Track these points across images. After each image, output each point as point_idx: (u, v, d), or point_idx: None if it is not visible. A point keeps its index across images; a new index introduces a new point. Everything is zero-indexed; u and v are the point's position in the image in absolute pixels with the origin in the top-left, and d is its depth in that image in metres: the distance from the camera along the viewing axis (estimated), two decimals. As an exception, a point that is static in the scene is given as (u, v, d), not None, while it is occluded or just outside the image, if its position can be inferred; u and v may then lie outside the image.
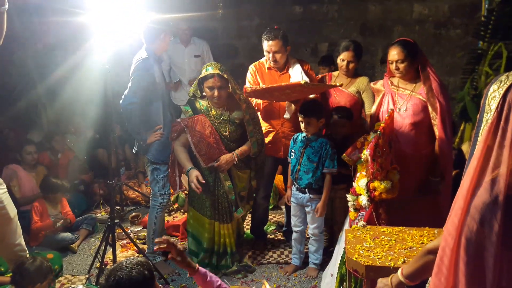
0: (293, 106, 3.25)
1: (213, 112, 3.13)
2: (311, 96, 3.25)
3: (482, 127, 1.26)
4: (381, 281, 1.76)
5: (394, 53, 2.81)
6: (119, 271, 1.65)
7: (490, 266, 1.20)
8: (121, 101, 3.11)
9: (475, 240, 1.21)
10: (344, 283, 2.28)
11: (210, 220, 3.23)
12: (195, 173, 3.03)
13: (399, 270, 1.67)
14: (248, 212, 3.56)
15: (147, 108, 3.17)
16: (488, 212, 1.18)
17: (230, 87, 3.04)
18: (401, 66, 2.80)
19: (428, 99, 2.79)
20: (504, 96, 1.19)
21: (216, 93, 3.03)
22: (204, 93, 3.14)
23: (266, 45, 3.23)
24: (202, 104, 3.14)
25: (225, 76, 3.00)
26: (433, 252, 1.50)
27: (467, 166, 1.28)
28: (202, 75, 3.03)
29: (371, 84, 3.16)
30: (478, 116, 1.30)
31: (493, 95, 1.22)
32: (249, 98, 3.37)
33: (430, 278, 1.42)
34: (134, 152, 3.41)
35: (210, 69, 3.01)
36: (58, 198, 3.90)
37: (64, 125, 4.98)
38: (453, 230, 1.26)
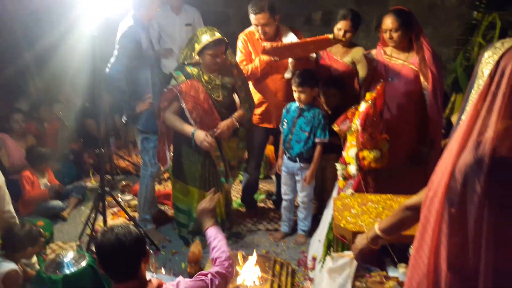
0: (293, 64, 3.19)
1: (205, 77, 3.02)
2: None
3: (473, 93, 1.27)
4: (359, 236, 1.78)
5: (388, 22, 2.78)
6: (116, 228, 1.65)
7: (471, 227, 1.22)
8: (107, 69, 3.05)
9: (457, 202, 1.23)
10: (331, 248, 2.33)
11: (199, 190, 3.20)
12: (203, 133, 2.89)
13: (376, 224, 1.69)
14: (238, 180, 3.57)
15: (135, 76, 3.12)
16: (471, 174, 1.19)
17: (229, 52, 2.97)
18: (395, 35, 2.77)
19: (421, 69, 2.78)
20: (498, 62, 1.19)
21: (219, 60, 2.93)
22: (195, 59, 3.00)
23: (253, 18, 3.15)
24: (193, 69, 3.03)
25: (225, 41, 2.92)
26: (411, 208, 1.52)
27: (455, 130, 1.28)
28: (209, 40, 2.86)
29: (364, 52, 3.12)
30: (470, 82, 1.30)
31: (487, 61, 1.23)
32: (244, 65, 3.33)
33: (412, 245, 1.45)
34: (124, 121, 3.37)
35: (217, 34, 2.89)
36: (46, 167, 3.88)
37: (52, 94, 4.91)
38: (440, 192, 1.28)
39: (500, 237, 1.19)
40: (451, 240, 1.26)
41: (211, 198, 2.05)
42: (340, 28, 3.18)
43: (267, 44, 2.97)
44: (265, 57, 3.21)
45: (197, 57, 2.98)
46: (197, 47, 2.92)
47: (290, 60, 3.19)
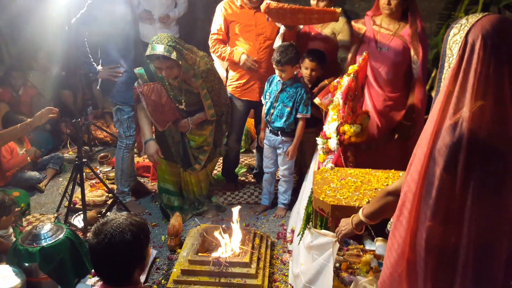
0: (283, 35, 3.12)
1: (170, 80, 2.94)
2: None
3: (444, 72, 1.26)
4: (343, 221, 1.83)
5: None
6: (112, 229, 1.50)
7: (454, 209, 1.23)
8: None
9: (438, 185, 1.23)
10: (310, 222, 2.35)
11: (176, 164, 3.23)
12: (153, 148, 2.98)
13: (360, 210, 1.73)
14: (219, 158, 3.54)
15: (105, 42, 3.02)
16: (451, 155, 1.19)
17: (182, 65, 2.79)
18: (394, 2, 2.73)
19: (412, 42, 2.77)
20: (466, 38, 1.17)
21: (164, 73, 2.83)
22: None
23: None
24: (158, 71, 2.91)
25: (173, 56, 2.71)
26: (393, 193, 1.54)
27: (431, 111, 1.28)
28: (147, 52, 2.75)
29: (352, 22, 3.06)
30: (440, 62, 1.29)
31: (454, 39, 1.21)
32: (214, 39, 3.28)
33: (391, 219, 1.47)
34: (98, 89, 3.28)
35: (156, 47, 2.71)
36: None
37: (27, 61, 4.72)
38: (416, 175, 1.28)
39: (480, 216, 1.21)
40: (432, 222, 1.27)
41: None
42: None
43: (273, 3, 2.85)
44: (238, 51, 3.19)
45: None
46: (147, 53, 2.81)
47: (281, 28, 3.11)
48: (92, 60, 3.04)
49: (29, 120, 2.93)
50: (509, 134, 1.16)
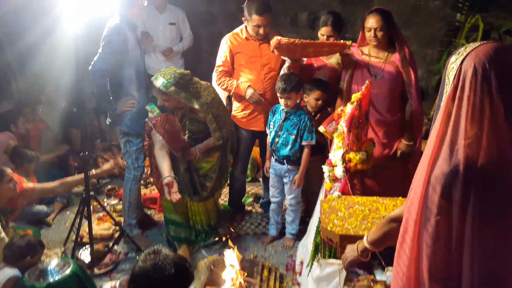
0: (289, 66, 3.17)
1: (178, 112, 3.08)
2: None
3: (443, 100, 1.27)
4: (349, 247, 1.80)
5: (373, 21, 2.81)
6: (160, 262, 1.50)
7: (453, 236, 1.22)
8: (90, 67, 3.01)
9: (437, 212, 1.23)
10: (319, 252, 2.33)
11: (183, 195, 3.18)
12: (172, 184, 2.90)
13: (364, 237, 1.71)
14: (225, 186, 3.55)
15: (119, 75, 3.09)
16: (448, 183, 1.19)
17: (181, 98, 2.90)
18: (380, 34, 2.81)
19: (403, 67, 2.83)
20: (460, 66, 1.20)
21: (159, 102, 2.98)
22: None
23: (257, 19, 3.12)
24: None
25: (169, 91, 2.85)
26: (396, 220, 1.53)
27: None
28: (152, 79, 2.93)
29: (339, 54, 3.11)
30: (440, 89, 1.31)
31: (451, 66, 1.24)
32: (220, 71, 3.33)
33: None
34: (108, 123, 3.33)
35: (157, 79, 2.87)
36: (31, 168, 3.81)
37: (35, 95, 4.82)
38: (416, 202, 1.28)
39: (482, 244, 1.19)
40: (433, 250, 1.26)
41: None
42: (322, 34, 3.16)
43: (284, 39, 2.90)
44: (244, 85, 3.25)
45: None
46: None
47: (287, 61, 3.16)
48: (111, 98, 3.12)
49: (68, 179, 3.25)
50: (506, 161, 1.16)
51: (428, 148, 1.25)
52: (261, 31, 3.16)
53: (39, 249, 2.72)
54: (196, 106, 2.94)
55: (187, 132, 3.08)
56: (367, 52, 2.96)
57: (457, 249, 1.22)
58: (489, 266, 1.21)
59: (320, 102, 3.13)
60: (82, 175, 3.01)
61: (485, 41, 1.23)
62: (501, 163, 1.16)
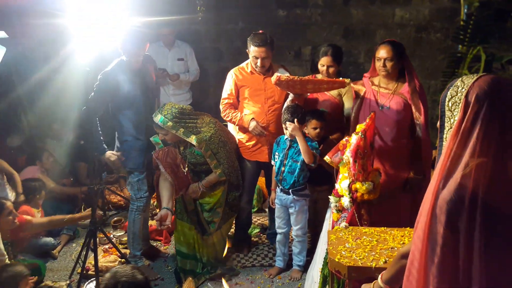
0: (292, 99, 3.24)
1: (180, 146, 3.18)
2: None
3: (445, 133, 1.30)
4: (364, 287, 1.78)
5: (383, 51, 2.87)
6: (121, 277, 1.61)
7: (460, 268, 1.21)
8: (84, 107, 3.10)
9: (442, 243, 1.22)
10: (327, 285, 2.29)
11: (190, 225, 3.24)
12: (167, 216, 3.03)
13: (379, 276, 1.69)
14: (232, 220, 3.54)
15: (116, 117, 3.19)
16: (453, 213, 1.19)
17: (179, 134, 2.99)
18: (389, 64, 2.86)
19: (412, 99, 2.86)
20: (466, 99, 1.22)
21: (160, 137, 3.09)
22: None
23: (254, 50, 3.22)
24: None
25: (166, 127, 2.95)
26: (407, 256, 1.52)
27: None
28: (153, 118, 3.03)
29: (352, 84, 3.18)
30: (438, 122, 1.34)
31: (453, 100, 1.26)
32: (225, 103, 3.40)
33: None
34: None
35: (156, 115, 2.99)
36: (42, 197, 3.88)
37: (44, 129, 4.90)
38: (421, 232, 1.28)
39: (492, 275, 1.18)
40: (440, 281, 1.24)
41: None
42: (322, 64, 3.24)
43: (283, 76, 3.01)
44: (247, 117, 3.32)
45: None
46: None
47: (290, 95, 3.24)
48: (102, 138, 3.21)
49: (77, 215, 3.41)
50: (510, 193, 1.17)
51: (434, 179, 1.26)
52: (259, 63, 3.24)
53: (23, 280, 2.68)
54: (194, 142, 3.00)
55: (187, 164, 3.14)
56: (377, 82, 3.00)
57: (464, 280, 1.20)
58: None
59: (318, 130, 3.15)
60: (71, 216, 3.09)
61: (482, 74, 1.27)
62: (505, 196, 1.17)
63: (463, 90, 1.24)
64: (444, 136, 1.29)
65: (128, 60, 3.10)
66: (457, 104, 1.25)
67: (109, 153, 3.22)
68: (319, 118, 3.15)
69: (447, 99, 1.29)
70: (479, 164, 1.17)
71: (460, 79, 1.29)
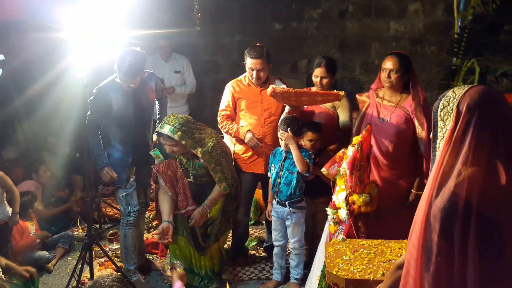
0: (289, 112, 3.25)
1: (181, 157, 3.15)
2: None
3: (438, 142, 1.33)
4: None
5: (389, 63, 2.87)
6: (99, 285, 1.66)
7: (455, 276, 1.22)
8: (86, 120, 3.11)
9: (436, 251, 1.23)
10: (325, 298, 2.27)
11: (185, 239, 3.20)
12: (167, 228, 2.95)
13: None
14: (228, 232, 3.52)
15: (105, 131, 3.17)
16: (446, 221, 1.21)
17: (187, 145, 2.96)
18: (394, 76, 2.86)
19: (415, 114, 2.83)
20: (458, 109, 1.25)
21: (167, 149, 3.04)
22: None
23: (250, 62, 3.25)
24: None
25: (176, 137, 2.91)
26: (402, 266, 1.52)
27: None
28: (157, 129, 3.01)
29: (357, 95, 3.20)
30: (431, 133, 1.37)
31: (445, 110, 1.30)
32: (223, 115, 3.42)
33: None
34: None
35: (164, 127, 2.95)
36: (34, 211, 3.85)
37: (40, 142, 4.89)
38: (416, 241, 1.29)
39: (487, 284, 1.19)
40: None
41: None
42: (316, 75, 3.27)
43: (278, 87, 3.03)
44: (243, 129, 3.33)
45: None
46: None
47: (287, 107, 3.25)
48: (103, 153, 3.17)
49: None
50: (502, 201, 1.18)
51: (428, 187, 1.27)
52: (254, 74, 3.27)
53: None
54: (199, 155, 2.99)
55: (191, 175, 3.11)
56: (381, 95, 3.00)
57: (459, 286, 1.21)
58: None
59: (313, 142, 3.16)
60: None
61: (473, 85, 1.30)
62: (497, 204, 1.18)
63: (455, 100, 1.27)
64: (437, 145, 1.32)
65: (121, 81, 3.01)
66: (449, 114, 1.28)
67: (106, 169, 3.13)
68: (314, 130, 3.16)
69: (439, 109, 1.32)
70: (471, 172, 1.19)
71: (452, 90, 1.32)
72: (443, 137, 1.28)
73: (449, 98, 1.30)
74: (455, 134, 1.23)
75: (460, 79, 4.35)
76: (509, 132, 1.21)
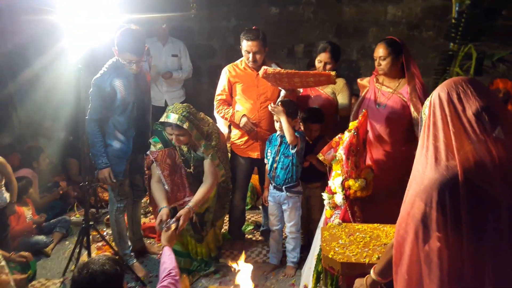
0: (284, 96, 3.23)
1: (182, 147, 3.09)
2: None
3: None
4: (358, 282, 1.81)
5: (377, 51, 2.86)
6: (92, 264, 1.70)
7: (451, 254, 1.26)
8: (87, 115, 3.02)
9: (432, 226, 1.29)
10: (321, 280, 2.31)
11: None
12: (165, 212, 2.85)
13: (372, 270, 1.71)
14: (224, 216, 3.54)
15: (106, 121, 3.08)
16: (442, 197, 1.27)
17: (193, 135, 2.93)
18: (383, 63, 2.84)
19: (411, 99, 2.81)
20: (431, 99, 1.40)
21: (174, 139, 2.97)
22: None
23: (246, 45, 3.22)
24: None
25: (185, 126, 2.87)
26: None
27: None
28: (162, 119, 2.93)
29: (358, 80, 3.19)
30: (419, 127, 1.47)
31: (426, 104, 1.47)
32: (219, 99, 3.40)
33: None
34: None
35: (170, 116, 2.88)
36: (29, 196, 3.86)
37: (35, 127, 4.86)
38: (410, 221, 1.36)
39: (482, 260, 1.23)
40: (431, 268, 1.28)
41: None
42: (320, 60, 3.26)
43: (270, 68, 2.99)
44: (238, 114, 3.32)
45: None
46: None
47: (282, 91, 3.24)
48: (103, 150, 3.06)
49: None
50: (491, 177, 1.24)
51: (418, 166, 1.35)
52: (250, 57, 3.24)
53: None
54: (202, 148, 2.99)
55: (191, 165, 3.09)
56: (381, 80, 2.98)
57: (455, 266, 1.24)
58: (488, 278, 1.24)
59: (318, 132, 3.21)
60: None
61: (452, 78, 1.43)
62: (482, 174, 1.24)
63: (432, 95, 1.41)
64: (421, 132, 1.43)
65: (124, 64, 2.95)
66: (427, 106, 1.44)
67: (106, 172, 3.05)
68: (317, 121, 3.20)
69: (423, 109, 1.50)
70: (459, 149, 1.26)
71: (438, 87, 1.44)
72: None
73: (430, 96, 1.43)
74: (431, 119, 1.34)
75: (457, 65, 4.34)
76: (489, 110, 1.29)
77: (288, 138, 3.01)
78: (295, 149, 3.06)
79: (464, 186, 1.22)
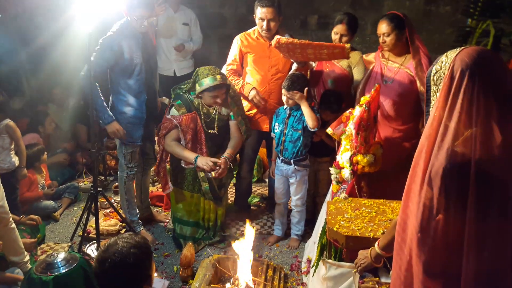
0: (296, 69, 3.21)
1: (204, 109, 3.11)
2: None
3: (431, 106, 1.34)
4: (362, 253, 1.83)
5: (380, 27, 2.81)
6: (114, 256, 1.61)
7: (453, 235, 1.24)
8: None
9: (436, 208, 1.25)
10: (325, 252, 2.33)
11: (192, 193, 3.22)
12: (204, 159, 2.96)
13: (376, 243, 1.73)
14: (231, 183, 3.57)
15: (116, 86, 3.08)
16: (444, 181, 1.21)
17: (230, 97, 3.07)
18: (387, 39, 2.79)
19: (417, 74, 2.77)
20: (450, 72, 1.24)
21: (219, 100, 3.01)
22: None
23: (261, 12, 3.15)
24: (194, 101, 3.11)
25: (228, 82, 3.04)
26: None
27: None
28: (209, 85, 2.93)
29: (363, 56, 3.13)
30: (425, 96, 1.38)
31: (438, 75, 1.31)
32: (229, 69, 3.39)
33: None
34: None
35: (216, 79, 2.94)
36: (42, 162, 3.89)
37: (46, 94, 4.87)
38: (415, 199, 1.32)
39: (485, 242, 1.21)
40: (433, 246, 1.28)
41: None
42: (336, 32, 3.19)
43: (283, 38, 2.92)
44: (248, 86, 3.30)
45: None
46: (198, 88, 2.99)
47: (294, 64, 3.18)
48: (105, 105, 3.05)
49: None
50: (499, 159, 1.18)
51: (423, 148, 1.28)
52: (264, 25, 3.17)
53: None
54: (232, 106, 3.10)
55: (216, 126, 3.13)
56: (387, 56, 2.94)
57: (456, 248, 1.24)
58: (493, 267, 1.23)
59: (332, 115, 3.19)
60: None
61: (465, 46, 1.29)
62: (494, 160, 1.19)
63: (447, 64, 1.27)
64: (430, 109, 1.32)
65: (133, 22, 2.96)
66: (442, 78, 1.29)
67: (115, 125, 3.05)
68: (334, 110, 3.17)
69: (432, 74, 1.33)
70: (469, 133, 1.19)
71: (445, 54, 1.31)
72: (437, 100, 1.28)
73: (442, 63, 1.31)
74: (450, 96, 1.22)
75: (473, 42, 4.23)
76: (503, 91, 1.20)
77: (310, 123, 2.99)
78: (316, 129, 3.04)
79: (474, 173, 1.18)
